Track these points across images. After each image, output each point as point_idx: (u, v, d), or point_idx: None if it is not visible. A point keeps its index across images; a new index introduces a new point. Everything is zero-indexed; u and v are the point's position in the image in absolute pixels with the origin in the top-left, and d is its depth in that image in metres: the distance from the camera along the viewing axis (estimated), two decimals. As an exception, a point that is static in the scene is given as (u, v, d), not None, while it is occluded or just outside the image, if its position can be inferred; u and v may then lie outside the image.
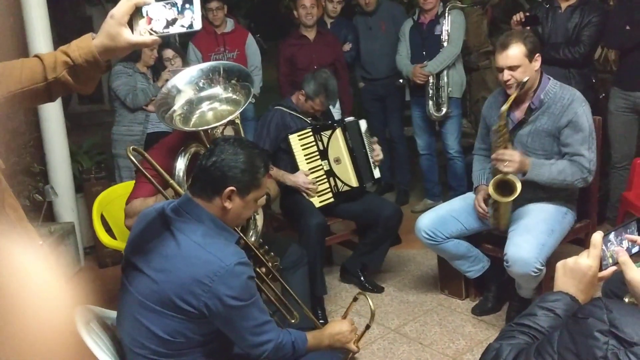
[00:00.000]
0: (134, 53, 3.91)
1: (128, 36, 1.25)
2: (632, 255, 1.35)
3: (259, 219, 2.52)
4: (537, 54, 2.68)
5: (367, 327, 2.33)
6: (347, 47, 4.49)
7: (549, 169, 2.63)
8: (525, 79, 2.62)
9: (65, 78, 1.27)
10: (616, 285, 1.81)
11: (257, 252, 2.26)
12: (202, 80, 2.30)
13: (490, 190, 2.64)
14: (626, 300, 1.39)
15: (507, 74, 2.66)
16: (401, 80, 4.35)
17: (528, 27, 3.59)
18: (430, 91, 4.10)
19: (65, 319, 0.53)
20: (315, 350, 1.96)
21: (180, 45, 4.51)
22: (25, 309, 0.51)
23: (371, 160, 3.32)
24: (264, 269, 2.29)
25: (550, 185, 2.65)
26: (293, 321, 2.36)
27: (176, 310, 1.67)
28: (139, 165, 2.18)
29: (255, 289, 1.75)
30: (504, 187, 2.63)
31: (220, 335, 1.77)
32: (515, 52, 2.63)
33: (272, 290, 2.32)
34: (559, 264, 1.30)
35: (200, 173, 1.79)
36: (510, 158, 2.58)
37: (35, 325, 0.51)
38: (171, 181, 2.20)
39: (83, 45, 1.27)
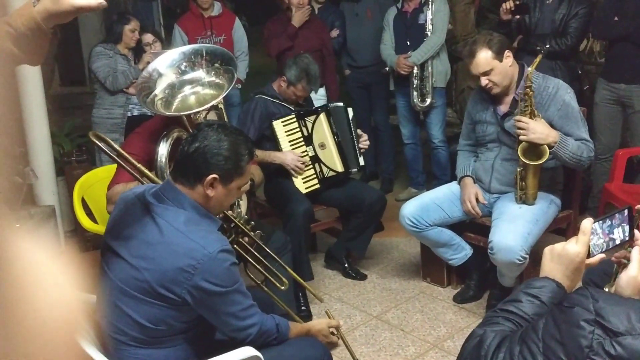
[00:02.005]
0: (114, 34, 3.84)
1: None
2: (611, 249, 1.35)
3: (243, 205, 2.50)
4: (507, 51, 2.71)
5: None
6: (335, 33, 4.46)
7: (572, 143, 2.61)
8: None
9: (10, 50, 1.22)
10: (597, 275, 1.82)
11: (236, 222, 2.24)
12: (184, 64, 2.26)
13: (519, 154, 2.62)
14: (606, 290, 1.40)
15: (483, 80, 2.72)
16: (387, 68, 4.33)
17: (517, 16, 3.59)
18: (415, 82, 4.09)
19: (70, 322, 0.51)
20: (296, 337, 1.96)
21: (166, 27, 4.44)
22: (32, 304, 0.49)
23: (357, 147, 3.31)
24: (246, 239, 2.27)
25: (569, 160, 2.61)
26: (283, 287, 2.35)
27: (158, 298, 1.65)
28: (106, 150, 2.15)
29: (238, 275, 1.74)
30: (532, 153, 2.61)
31: (202, 322, 1.76)
32: (483, 59, 2.67)
33: (257, 258, 2.30)
34: (547, 250, 1.29)
35: (182, 159, 1.76)
36: (525, 127, 2.56)
37: (40, 323, 0.49)
38: (147, 172, 2.16)
39: (24, 13, 1.21)
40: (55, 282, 0.50)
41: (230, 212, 2.27)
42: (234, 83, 2.27)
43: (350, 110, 3.32)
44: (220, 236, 1.74)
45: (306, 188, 3.20)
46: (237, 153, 1.75)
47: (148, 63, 2.73)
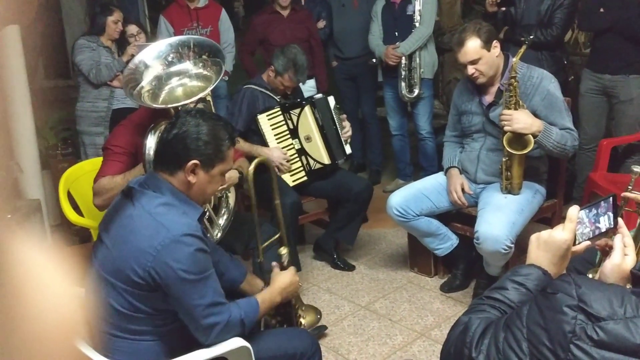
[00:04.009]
0: (97, 26, 3.79)
1: None
2: (596, 236, 1.36)
3: (231, 198, 2.50)
4: (494, 41, 2.73)
5: None
6: (322, 24, 4.44)
7: (556, 132, 2.63)
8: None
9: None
10: (580, 263, 1.84)
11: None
12: (171, 55, 2.24)
13: (505, 144, 2.64)
14: (590, 276, 1.42)
15: (470, 69, 2.73)
16: (374, 60, 4.32)
17: (503, 8, 3.60)
18: (403, 72, 4.09)
19: (69, 325, 0.51)
20: (270, 309, 1.95)
21: (151, 19, 4.39)
22: (31, 307, 0.49)
23: (342, 136, 3.32)
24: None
25: (553, 149, 2.64)
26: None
27: (129, 283, 1.64)
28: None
29: (208, 265, 1.68)
30: (517, 143, 2.63)
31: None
32: (471, 47, 2.69)
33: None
34: (533, 237, 1.28)
35: (162, 146, 1.76)
36: (509, 119, 2.59)
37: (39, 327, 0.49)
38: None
39: None
40: (53, 279, 0.50)
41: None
42: (221, 75, 2.27)
43: (331, 99, 3.31)
44: (193, 222, 1.68)
45: (293, 181, 3.21)
46: (217, 138, 1.74)
47: (132, 55, 2.70)
